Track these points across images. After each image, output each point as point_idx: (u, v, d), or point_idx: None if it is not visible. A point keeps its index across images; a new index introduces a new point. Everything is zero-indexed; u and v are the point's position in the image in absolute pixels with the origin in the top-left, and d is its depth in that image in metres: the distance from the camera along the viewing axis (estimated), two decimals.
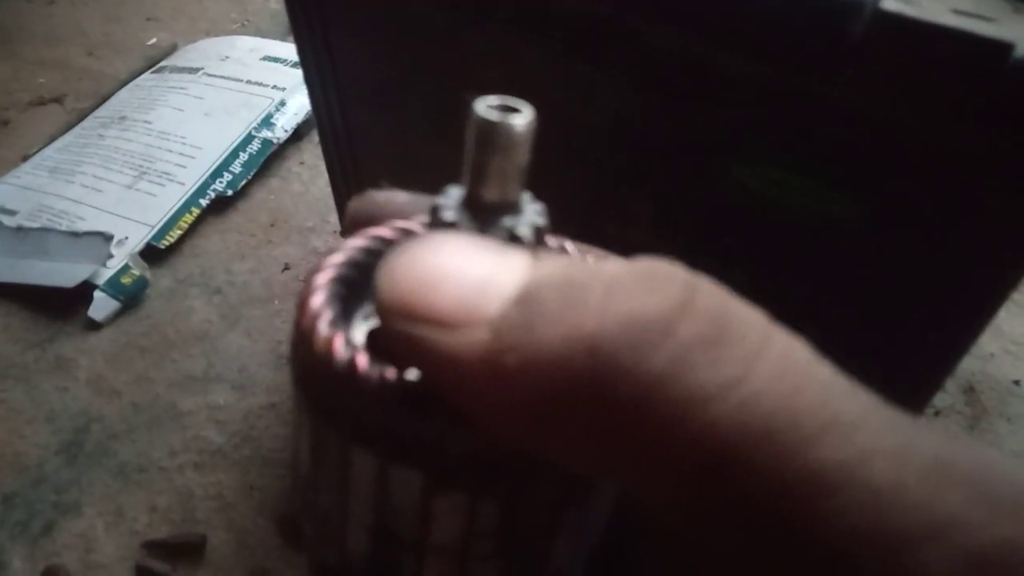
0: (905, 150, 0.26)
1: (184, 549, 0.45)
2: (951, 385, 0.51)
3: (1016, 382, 0.51)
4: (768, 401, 0.10)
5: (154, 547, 0.45)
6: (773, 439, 0.10)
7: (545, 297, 0.11)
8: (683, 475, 0.10)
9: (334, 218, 0.62)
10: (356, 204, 0.17)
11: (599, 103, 0.32)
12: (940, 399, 0.50)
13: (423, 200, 0.17)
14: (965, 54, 0.21)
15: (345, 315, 0.14)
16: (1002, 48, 0.21)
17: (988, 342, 0.53)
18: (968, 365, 0.52)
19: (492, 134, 0.13)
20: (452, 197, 0.14)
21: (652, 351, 0.10)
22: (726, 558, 0.11)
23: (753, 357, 0.10)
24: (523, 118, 0.13)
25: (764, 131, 0.28)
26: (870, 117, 0.25)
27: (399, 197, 0.17)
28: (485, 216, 0.14)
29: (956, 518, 0.10)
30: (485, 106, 0.13)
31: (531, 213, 0.14)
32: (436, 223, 0.14)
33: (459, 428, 0.12)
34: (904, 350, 0.32)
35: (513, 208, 0.14)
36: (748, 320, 0.11)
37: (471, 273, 0.11)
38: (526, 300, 0.11)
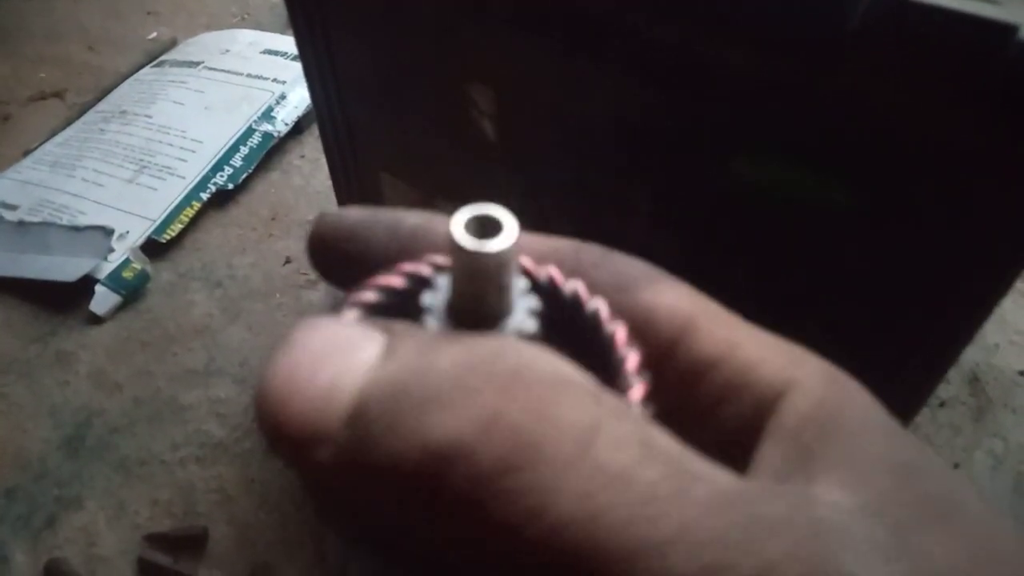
0: (905, 139, 0.25)
1: (186, 542, 0.45)
2: (955, 376, 0.50)
3: (1021, 373, 0.51)
4: (573, 528, 0.10)
5: (156, 540, 0.45)
6: (581, 566, 0.10)
7: (371, 414, 0.11)
8: None
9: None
10: (312, 228, 0.18)
11: (598, 98, 0.32)
12: (944, 390, 0.50)
13: (375, 215, 0.17)
14: (968, 36, 0.21)
15: None
16: (1006, 30, 0.21)
17: (993, 333, 0.52)
18: (973, 356, 0.51)
19: (468, 261, 0.12)
20: (439, 297, 0.14)
21: (454, 479, 0.10)
22: None
23: (560, 477, 0.10)
24: (502, 242, 0.12)
25: (762, 124, 0.28)
26: (870, 106, 0.25)
27: (351, 215, 0.17)
28: (470, 325, 0.13)
29: None
30: (461, 230, 0.12)
31: (519, 318, 0.13)
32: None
33: None
34: (905, 342, 0.32)
35: (499, 318, 0.13)
36: (566, 428, 0.10)
37: (318, 382, 0.11)
38: (356, 419, 0.11)
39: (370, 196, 0.47)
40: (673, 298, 0.15)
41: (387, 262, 0.15)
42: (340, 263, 0.17)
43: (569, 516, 0.10)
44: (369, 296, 0.14)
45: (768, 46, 0.25)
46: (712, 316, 0.15)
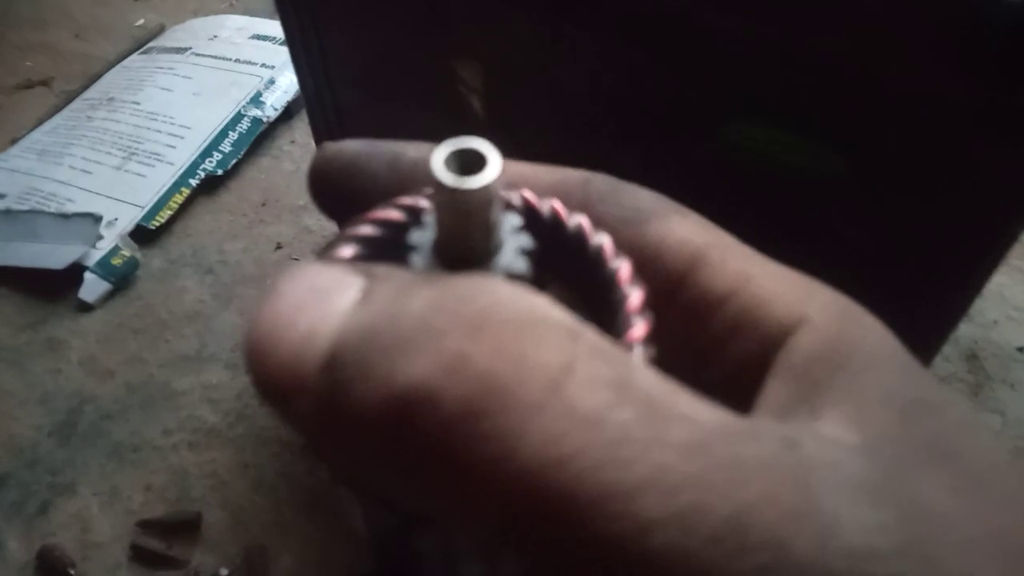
0: (895, 102, 0.25)
1: (179, 527, 0.45)
2: (953, 353, 0.50)
3: (1020, 348, 0.51)
4: (541, 472, 0.09)
5: (150, 526, 0.45)
6: (548, 514, 0.09)
7: (343, 362, 0.11)
8: (494, 523, 0.10)
9: None
10: (312, 162, 0.17)
11: (585, 66, 0.31)
12: (943, 367, 0.50)
13: (374, 147, 0.16)
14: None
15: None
16: None
17: (991, 309, 0.52)
18: (971, 332, 0.51)
19: (449, 199, 0.12)
20: (427, 235, 0.13)
21: (419, 424, 0.10)
22: None
23: (527, 421, 0.10)
24: (484, 177, 0.12)
25: (751, 88, 0.28)
26: (858, 68, 0.25)
27: (351, 146, 0.17)
28: (456, 264, 0.13)
29: None
30: (441, 165, 0.12)
31: (508, 258, 0.13)
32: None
33: None
34: (899, 313, 0.32)
35: (487, 256, 0.13)
36: (535, 369, 0.10)
37: (296, 330, 0.11)
38: (329, 367, 0.11)
39: None
40: (683, 231, 0.15)
41: (387, 196, 0.15)
42: (340, 198, 0.17)
43: (536, 460, 0.09)
44: (364, 230, 0.14)
45: (752, 3, 0.25)
46: (724, 249, 0.15)
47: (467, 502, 0.10)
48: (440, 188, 0.12)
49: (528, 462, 0.10)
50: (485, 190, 0.12)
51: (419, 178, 0.16)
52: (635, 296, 0.14)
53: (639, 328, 0.13)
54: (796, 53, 0.25)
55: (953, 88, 0.23)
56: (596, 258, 0.14)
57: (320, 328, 0.11)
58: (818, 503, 0.10)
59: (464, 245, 0.13)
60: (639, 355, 0.13)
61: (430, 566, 0.14)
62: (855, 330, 0.14)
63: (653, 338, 0.13)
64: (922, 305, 0.31)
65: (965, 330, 0.51)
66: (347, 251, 0.14)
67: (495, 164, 0.12)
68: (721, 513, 0.09)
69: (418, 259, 0.13)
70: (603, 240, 0.14)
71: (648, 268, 0.15)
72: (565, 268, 0.15)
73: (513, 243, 0.13)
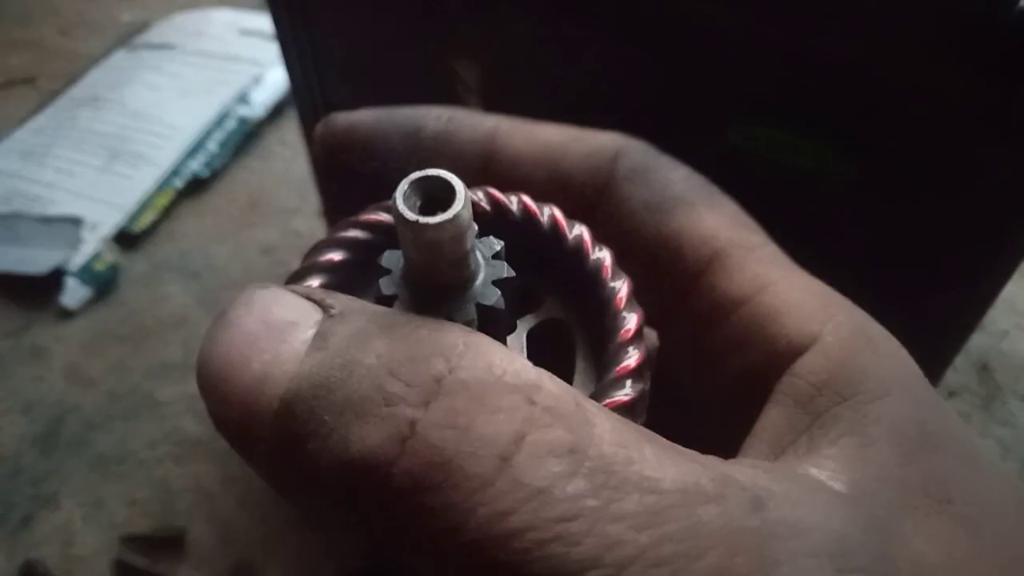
0: (903, 105, 0.24)
1: (165, 542, 0.44)
2: (964, 364, 0.49)
3: None
4: (489, 547, 0.10)
5: (134, 541, 0.44)
6: None
7: (295, 415, 0.11)
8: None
9: (316, 198, 0.60)
10: (319, 136, 0.16)
11: (585, 63, 0.30)
12: (953, 379, 0.48)
13: (391, 118, 0.15)
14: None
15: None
16: None
17: (1001, 318, 0.51)
18: (981, 342, 0.50)
19: (413, 233, 0.12)
20: (397, 256, 0.13)
21: (370, 493, 0.10)
22: None
23: (476, 496, 0.10)
24: (449, 212, 0.11)
25: (758, 90, 0.27)
26: (866, 71, 0.24)
27: (365, 118, 0.16)
28: (426, 292, 0.13)
29: None
30: (402, 197, 0.12)
31: (479, 289, 0.13)
32: (375, 292, 0.13)
33: None
34: (908, 322, 0.31)
35: (458, 285, 0.13)
36: (485, 441, 0.10)
37: (250, 372, 0.11)
38: (282, 418, 0.11)
39: None
40: (707, 225, 0.14)
41: (404, 174, 0.14)
42: (352, 177, 0.16)
43: (484, 535, 0.10)
44: (331, 256, 0.14)
45: (757, 4, 0.24)
46: (747, 250, 0.14)
47: (419, 560, 0.10)
48: (403, 223, 0.12)
49: (476, 536, 0.10)
50: (451, 224, 0.11)
51: (444, 152, 0.15)
52: (631, 322, 0.13)
53: (631, 359, 0.13)
54: (799, 53, 0.25)
55: (958, 89, 0.23)
56: (595, 275, 0.14)
57: (273, 373, 0.11)
58: (772, 574, 0.10)
59: (432, 276, 0.12)
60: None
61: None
62: (868, 355, 0.13)
63: (645, 369, 0.13)
64: (932, 312, 0.30)
65: (976, 340, 0.50)
66: (313, 282, 0.14)
67: (460, 196, 0.12)
68: None
69: (388, 284, 0.13)
70: (603, 257, 0.14)
71: (665, 262, 0.14)
72: (563, 281, 0.14)
73: (489, 272, 0.13)
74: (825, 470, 0.11)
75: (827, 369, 0.13)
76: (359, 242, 0.14)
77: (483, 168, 0.16)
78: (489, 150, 0.16)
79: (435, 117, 0.16)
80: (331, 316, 0.12)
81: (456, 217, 0.11)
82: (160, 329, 0.54)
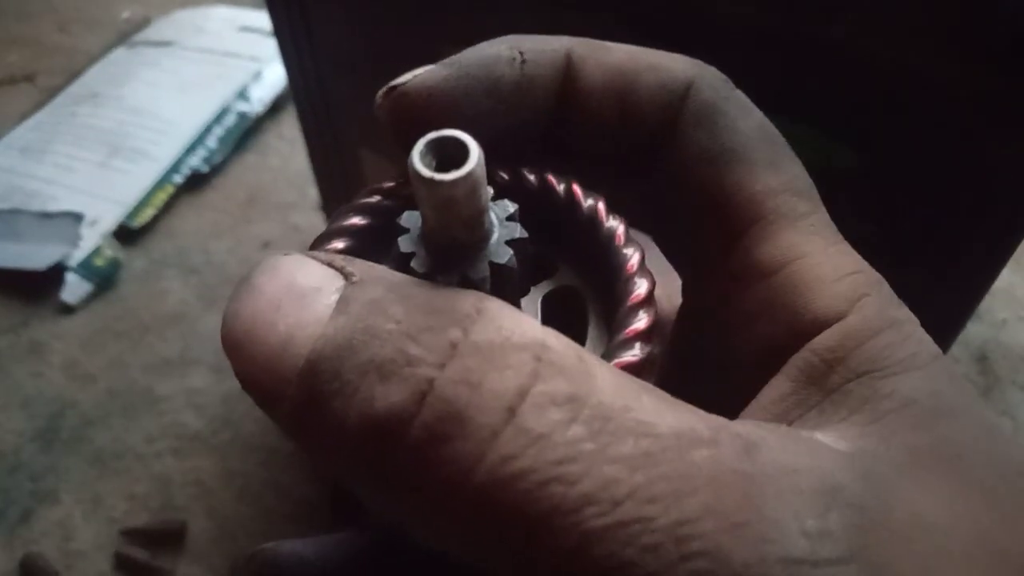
0: (905, 96, 0.24)
1: (164, 536, 0.44)
2: (963, 354, 0.49)
3: None
4: (496, 491, 0.10)
5: (133, 535, 0.44)
6: (502, 528, 0.10)
7: (320, 376, 0.11)
8: (465, 534, 0.11)
9: (314, 193, 0.60)
10: (393, 105, 0.15)
11: None
12: None
13: (466, 72, 0.15)
14: None
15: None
16: None
17: (1000, 308, 0.51)
18: (980, 332, 0.50)
19: (429, 191, 0.12)
20: (416, 216, 0.13)
21: (391, 448, 0.11)
22: None
23: (485, 444, 0.10)
24: (463, 169, 0.12)
25: (761, 81, 0.27)
26: (868, 61, 0.24)
27: (440, 82, 0.15)
28: (442, 251, 0.13)
29: None
30: (418, 156, 0.12)
31: (494, 248, 0.13)
32: (395, 250, 0.13)
33: None
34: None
35: (473, 245, 0.13)
36: (494, 395, 0.11)
37: (275, 335, 0.12)
38: (306, 379, 0.11)
39: (350, 174, 0.46)
40: (758, 188, 0.14)
41: (487, 127, 0.14)
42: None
43: (491, 480, 0.10)
44: (352, 220, 0.14)
45: None
46: (791, 219, 0.14)
47: (434, 514, 0.11)
48: (419, 180, 0.12)
49: (484, 482, 0.10)
50: (464, 181, 0.12)
51: (524, 100, 0.15)
52: (642, 287, 0.14)
53: (640, 322, 0.13)
54: (800, 43, 0.25)
55: (959, 79, 0.23)
56: (607, 243, 0.14)
57: (297, 335, 0.11)
58: (762, 511, 0.10)
59: (448, 235, 0.13)
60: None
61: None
62: (889, 337, 0.13)
63: (654, 333, 0.13)
64: (933, 299, 0.30)
65: (974, 330, 0.50)
66: (337, 245, 0.14)
67: (474, 155, 0.12)
68: (661, 523, 0.10)
69: (406, 242, 0.13)
70: (616, 225, 0.14)
71: (709, 218, 0.14)
72: (577, 250, 0.15)
73: (503, 232, 0.13)
74: (830, 435, 0.12)
75: (846, 348, 0.13)
76: (381, 208, 0.15)
77: (557, 107, 0.16)
78: (562, 89, 0.16)
79: (508, 62, 0.15)
80: (352, 283, 0.12)
81: (470, 174, 0.12)
82: (159, 325, 0.54)
